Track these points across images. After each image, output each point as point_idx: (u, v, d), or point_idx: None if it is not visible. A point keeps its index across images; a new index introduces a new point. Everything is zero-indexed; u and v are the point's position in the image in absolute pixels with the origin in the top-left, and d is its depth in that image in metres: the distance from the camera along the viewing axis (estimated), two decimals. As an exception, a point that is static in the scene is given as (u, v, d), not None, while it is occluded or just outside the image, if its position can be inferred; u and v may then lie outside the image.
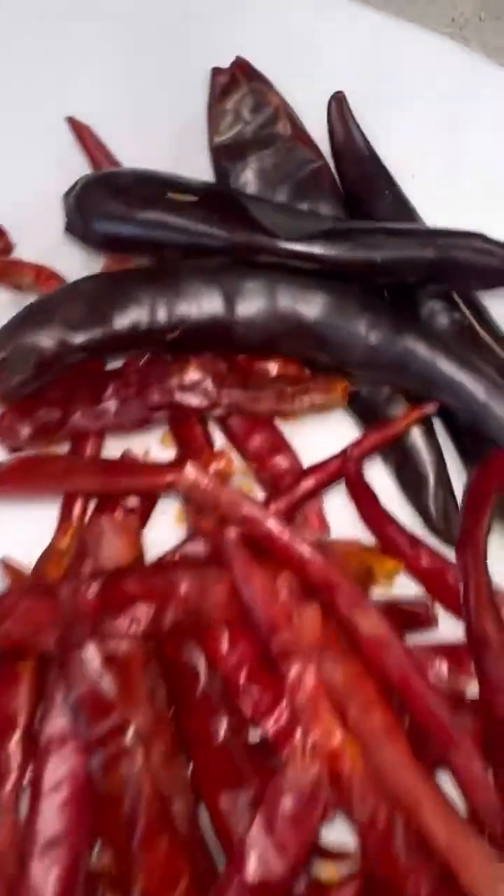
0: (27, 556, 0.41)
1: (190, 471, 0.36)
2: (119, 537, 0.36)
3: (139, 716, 0.34)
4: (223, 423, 0.43)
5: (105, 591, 0.34)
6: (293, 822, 0.33)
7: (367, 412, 0.43)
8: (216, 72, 0.45)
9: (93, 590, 0.33)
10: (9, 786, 0.33)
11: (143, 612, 0.34)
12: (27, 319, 0.41)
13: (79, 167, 0.47)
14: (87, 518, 0.40)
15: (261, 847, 0.32)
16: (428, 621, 0.39)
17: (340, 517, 0.42)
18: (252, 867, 0.32)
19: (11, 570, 0.38)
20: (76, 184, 0.43)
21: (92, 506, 0.42)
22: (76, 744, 0.34)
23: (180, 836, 0.34)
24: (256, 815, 0.33)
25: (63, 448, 0.43)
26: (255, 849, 0.32)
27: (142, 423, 0.41)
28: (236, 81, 0.45)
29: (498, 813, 0.36)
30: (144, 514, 0.40)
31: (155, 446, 0.43)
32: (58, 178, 0.46)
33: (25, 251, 0.46)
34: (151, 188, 0.41)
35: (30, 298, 0.45)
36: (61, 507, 0.42)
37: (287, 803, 0.33)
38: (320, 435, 0.44)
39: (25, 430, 0.42)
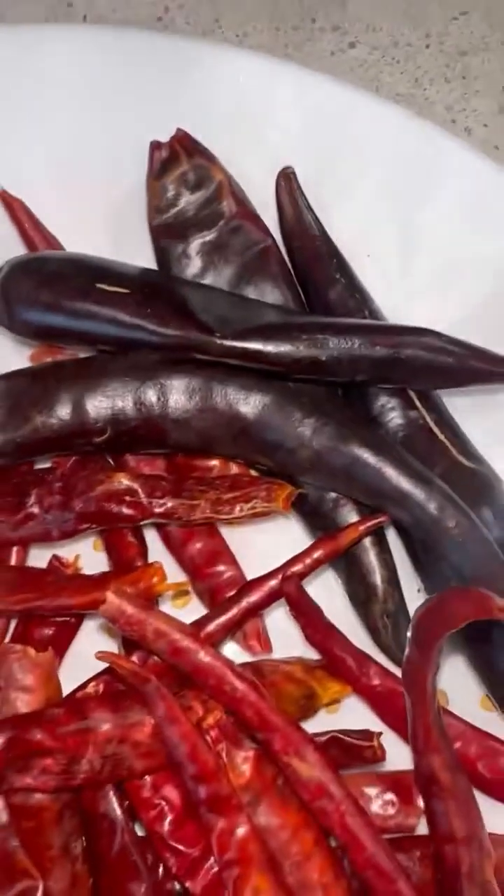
0: None
1: (112, 598, 0.32)
2: (32, 674, 0.33)
3: (52, 879, 0.31)
4: (159, 527, 0.41)
5: (11, 744, 0.30)
6: None
7: (314, 516, 0.40)
8: (155, 145, 0.42)
9: (3, 735, 0.30)
10: None
11: (54, 765, 0.31)
12: None
13: (11, 242, 0.44)
14: (5, 640, 0.38)
15: None
16: (374, 757, 0.35)
17: (285, 630, 0.40)
18: None
19: None
20: (1, 268, 0.40)
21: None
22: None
23: None
24: None
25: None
26: None
27: (69, 535, 0.38)
28: (176, 156, 0.41)
29: None
30: (68, 635, 0.37)
31: (86, 552, 0.41)
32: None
33: None
34: (82, 276, 0.38)
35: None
36: (-22, 624, 0.39)
37: None
38: (266, 538, 0.41)
39: None
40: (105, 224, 0.44)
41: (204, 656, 0.33)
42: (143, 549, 0.39)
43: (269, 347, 0.37)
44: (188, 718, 0.32)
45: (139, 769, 0.32)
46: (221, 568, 0.39)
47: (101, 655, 0.32)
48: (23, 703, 0.32)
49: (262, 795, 0.33)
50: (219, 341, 0.37)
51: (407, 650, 0.34)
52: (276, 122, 0.45)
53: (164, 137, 0.43)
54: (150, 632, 0.33)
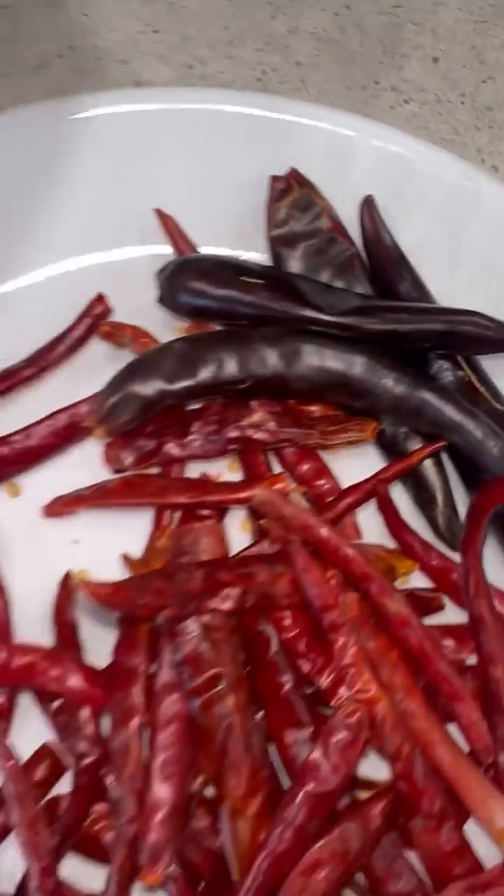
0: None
1: (263, 490, 0.47)
2: (210, 538, 0.48)
3: (227, 672, 0.46)
4: (278, 453, 0.55)
5: (205, 578, 0.45)
6: (342, 751, 0.44)
7: (389, 447, 0.55)
8: (275, 178, 0.58)
9: (198, 577, 0.45)
10: (135, 723, 0.45)
11: (232, 594, 0.45)
12: (132, 372, 0.53)
13: (161, 248, 0.59)
14: (174, 524, 0.52)
15: (319, 768, 0.44)
16: (437, 607, 0.51)
17: (369, 527, 0.55)
18: (312, 783, 0.44)
19: (130, 561, 0.49)
20: (168, 265, 0.55)
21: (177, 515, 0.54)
22: (181, 692, 0.46)
23: (257, 763, 0.45)
24: (315, 746, 0.45)
25: (153, 471, 0.55)
26: (315, 769, 0.44)
27: (220, 453, 0.53)
28: (290, 186, 0.57)
29: (490, 750, 0.48)
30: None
31: (225, 471, 0.56)
32: (143, 255, 0.59)
33: (118, 315, 0.58)
34: (228, 271, 0.54)
35: (125, 353, 0.58)
36: (155, 516, 0.54)
37: (338, 737, 0.44)
38: (353, 464, 0.56)
39: (127, 457, 0.54)
40: (230, 237, 0.60)
41: (324, 530, 0.48)
42: (269, 466, 0.54)
43: (363, 323, 0.53)
44: (318, 569, 0.47)
45: (284, 604, 0.47)
46: (323, 482, 0.54)
47: (266, 524, 0.47)
48: (206, 557, 0.47)
49: (363, 625, 0.48)
50: (326, 318, 0.53)
51: (464, 527, 0.49)
52: (355, 161, 0.61)
53: (274, 173, 0.59)
54: (287, 514, 0.48)
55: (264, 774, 0.46)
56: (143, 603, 0.45)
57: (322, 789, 0.44)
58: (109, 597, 0.45)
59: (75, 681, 0.46)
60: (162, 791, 0.44)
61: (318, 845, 0.44)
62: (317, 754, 0.45)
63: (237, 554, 0.50)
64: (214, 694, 0.45)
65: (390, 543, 0.54)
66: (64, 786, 0.49)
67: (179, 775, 0.44)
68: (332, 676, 0.47)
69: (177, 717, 0.45)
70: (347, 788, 0.46)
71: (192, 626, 0.46)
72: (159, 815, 0.43)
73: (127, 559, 0.50)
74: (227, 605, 0.46)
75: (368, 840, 0.45)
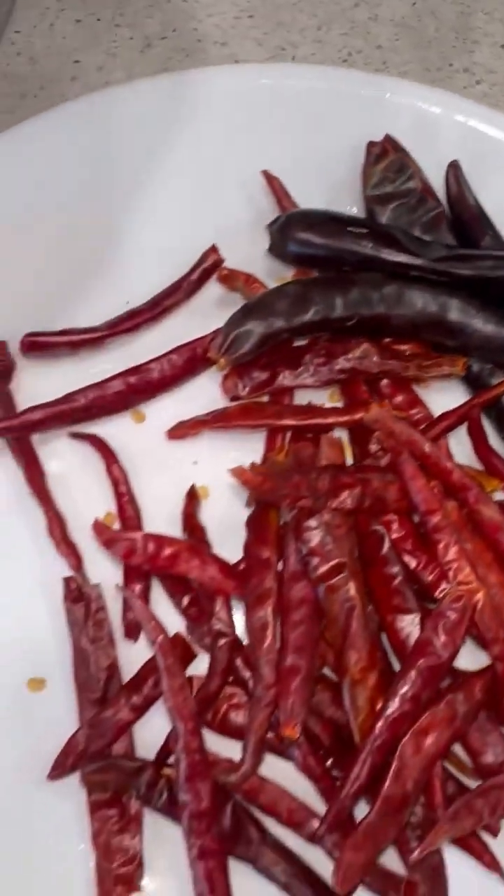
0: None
1: (375, 407, 0.54)
2: (331, 448, 0.54)
3: (348, 562, 0.52)
4: (374, 387, 0.62)
5: (332, 479, 0.52)
6: (450, 630, 0.51)
7: (474, 382, 0.62)
8: (371, 144, 0.65)
9: (326, 477, 0.52)
10: (270, 605, 0.51)
11: (353, 494, 0.52)
12: (251, 310, 0.60)
13: (265, 206, 0.66)
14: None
15: (431, 644, 0.50)
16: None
17: (457, 453, 0.61)
18: (425, 658, 0.50)
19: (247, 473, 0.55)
20: (279, 218, 0.62)
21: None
22: (307, 580, 0.52)
23: (375, 642, 0.51)
24: (426, 626, 0.51)
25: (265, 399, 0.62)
26: (428, 646, 0.50)
27: (328, 383, 0.60)
28: (385, 151, 0.64)
29: None
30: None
31: (326, 402, 0.62)
32: (248, 212, 0.66)
33: (228, 264, 0.65)
34: (336, 223, 0.61)
35: (235, 299, 0.64)
36: (268, 439, 0.60)
37: (446, 619, 0.51)
38: (441, 398, 0.62)
39: (243, 387, 0.60)
40: (327, 199, 0.66)
41: (428, 445, 0.55)
42: (370, 394, 0.60)
43: (455, 268, 0.59)
44: (424, 478, 0.53)
45: (394, 508, 0.54)
46: (417, 410, 0.61)
47: (379, 436, 0.53)
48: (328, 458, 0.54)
49: (462, 529, 0.54)
50: (424, 263, 0.59)
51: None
52: (437, 131, 0.68)
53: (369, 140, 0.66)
54: (396, 430, 0.54)
55: (380, 653, 0.52)
56: (284, 493, 0.52)
57: (434, 663, 0.51)
58: (259, 484, 0.51)
59: (213, 570, 0.53)
60: (296, 661, 0.50)
61: (429, 712, 0.51)
62: (428, 633, 0.51)
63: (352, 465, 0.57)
64: (338, 580, 0.52)
65: (478, 466, 0.61)
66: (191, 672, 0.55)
67: (310, 648, 0.51)
68: (436, 572, 0.54)
69: (305, 601, 0.52)
70: (451, 666, 0.52)
71: (316, 524, 0.53)
72: (295, 681, 0.50)
73: (243, 470, 0.54)
74: (348, 504, 0.52)
75: (471, 710, 0.52)
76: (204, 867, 0.50)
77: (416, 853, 0.47)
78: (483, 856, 0.52)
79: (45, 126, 0.67)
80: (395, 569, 0.53)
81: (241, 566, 0.55)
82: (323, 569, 0.52)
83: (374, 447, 0.59)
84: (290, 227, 0.62)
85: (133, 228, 0.66)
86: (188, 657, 0.56)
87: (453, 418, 0.59)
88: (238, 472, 0.53)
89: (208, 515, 0.60)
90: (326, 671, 0.54)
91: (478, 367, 0.62)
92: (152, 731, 0.55)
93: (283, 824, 0.53)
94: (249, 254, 0.65)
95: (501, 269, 0.60)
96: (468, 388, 0.63)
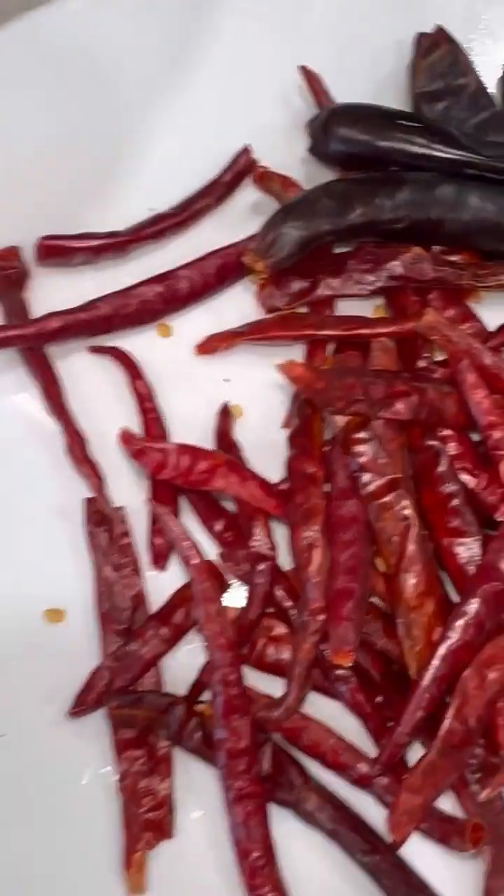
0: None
1: (432, 313, 0.49)
2: (385, 354, 0.49)
3: (403, 478, 0.47)
4: (423, 299, 0.57)
5: (387, 384, 0.47)
6: (516, 553, 0.46)
7: (532, 295, 0.57)
8: (422, 35, 0.59)
9: (381, 382, 0.47)
10: (317, 522, 0.46)
11: (409, 403, 0.47)
12: (292, 210, 0.54)
13: (301, 105, 0.60)
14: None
15: (497, 567, 0.45)
16: None
17: None
18: (490, 581, 0.45)
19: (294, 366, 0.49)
20: (320, 113, 0.57)
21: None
22: (358, 496, 0.47)
23: (432, 565, 0.47)
24: (489, 548, 0.46)
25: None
26: (492, 568, 0.45)
27: (374, 292, 0.55)
28: (437, 44, 0.59)
29: None
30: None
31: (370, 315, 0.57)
32: (284, 114, 0.60)
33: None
34: (385, 116, 0.55)
35: (269, 205, 0.59)
36: (307, 353, 0.55)
37: (510, 542, 0.46)
38: (496, 314, 0.56)
39: (281, 297, 0.55)
40: (371, 97, 0.60)
41: (488, 354, 0.50)
42: (422, 305, 0.55)
43: (520, 166, 0.54)
44: (485, 389, 0.48)
45: (451, 422, 0.49)
46: (470, 325, 0.55)
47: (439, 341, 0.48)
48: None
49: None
50: (485, 160, 0.54)
51: None
52: (494, 25, 0.62)
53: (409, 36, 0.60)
54: (454, 337, 0.50)
55: (438, 580, 0.48)
56: (336, 395, 0.46)
57: (499, 588, 0.46)
58: (312, 381, 0.46)
59: (254, 487, 0.48)
60: (348, 583, 0.45)
61: (493, 642, 0.46)
62: (492, 556, 0.46)
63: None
64: (392, 498, 0.47)
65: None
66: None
67: (362, 570, 0.46)
68: (498, 493, 0.49)
69: (355, 520, 0.47)
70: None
71: (367, 436, 0.48)
72: (348, 604, 0.45)
73: (295, 365, 0.48)
74: (403, 413, 0.47)
75: (539, 642, 0.47)
76: (242, 811, 0.45)
77: (484, 792, 0.42)
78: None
79: (60, 15, 0.61)
80: (453, 488, 0.48)
81: (282, 487, 0.51)
82: (375, 485, 0.47)
83: (422, 363, 0.54)
84: (333, 123, 0.56)
85: (160, 130, 0.60)
86: (222, 588, 0.51)
87: (507, 333, 0.55)
88: (288, 367, 0.47)
89: (241, 437, 0.55)
90: (375, 601, 0.50)
91: (538, 279, 0.58)
92: (182, 666, 0.50)
93: (329, 767, 0.48)
94: (286, 160, 0.59)
95: None
96: (525, 302, 0.59)
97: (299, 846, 0.47)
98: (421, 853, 0.47)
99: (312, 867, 0.47)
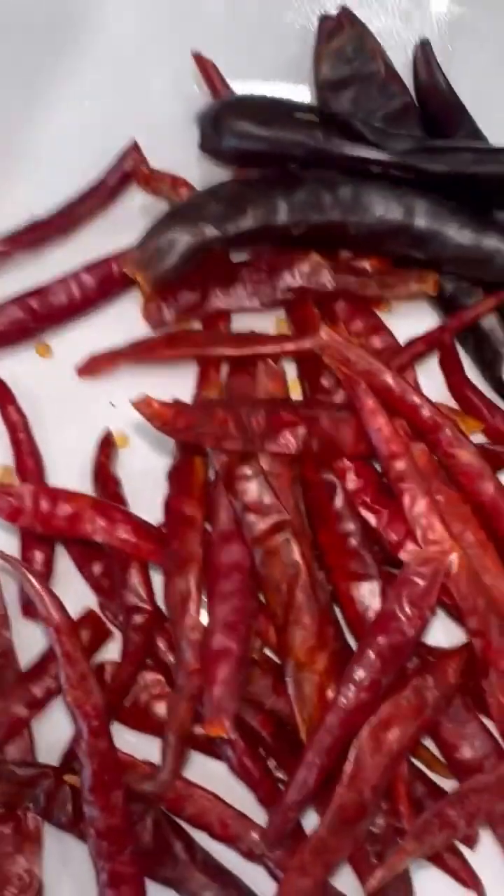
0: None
1: (325, 331, 0.44)
2: (271, 380, 0.44)
3: (292, 519, 0.42)
4: (328, 310, 0.52)
5: (269, 415, 0.42)
6: (417, 601, 0.41)
7: (448, 304, 0.52)
8: (324, 18, 0.54)
9: (261, 413, 0.42)
10: (193, 572, 0.42)
11: (297, 434, 0.42)
12: (176, 216, 0.49)
13: (199, 98, 0.55)
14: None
15: (394, 619, 0.41)
16: (505, 464, 0.48)
17: (429, 389, 0.50)
18: (387, 634, 0.41)
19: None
20: (211, 106, 0.51)
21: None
22: (242, 541, 0.42)
23: (325, 616, 0.42)
24: (388, 597, 0.41)
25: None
26: (389, 620, 0.41)
27: (270, 305, 0.50)
28: (341, 27, 0.53)
29: None
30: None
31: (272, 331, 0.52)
32: (177, 106, 0.55)
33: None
34: (280, 108, 0.50)
35: (160, 207, 0.54)
36: (200, 374, 0.50)
37: (412, 588, 0.41)
38: (408, 324, 0.52)
39: (168, 312, 0.50)
40: (271, 86, 0.55)
41: (389, 375, 0.45)
42: (322, 320, 0.50)
43: (428, 163, 0.49)
44: (385, 414, 0.43)
45: (349, 453, 0.44)
46: (379, 338, 0.50)
47: (330, 362, 0.43)
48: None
49: (433, 477, 0.45)
50: (388, 158, 0.49)
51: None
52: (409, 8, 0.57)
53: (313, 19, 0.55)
54: (352, 357, 0.45)
55: (331, 630, 0.43)
56: (204, 431, 0.41)
57: (397, 641, 0.41)
58: (173, 419, 0.40)
59: (124, 531, 0.43)
60: (225, 641, 0.40)
61: (390, 700, 0.41)
62: (391, 604, 0.42)
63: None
64: (279, 542, 0.42)
65: (452, 405, 0.51)
66: (107, 653, 0.46)
67: (243, 625, 0.41)
68: (401, 530, 0.44)
69: (238, 568, 0.42)
70: (419, 644, 0.43)
71: (251, 472, 0.43)
72: (223, 666, 0.40)
73: (150, 401, 0.41)
74: (291, 447, 0.42)
75: (442, 697, 0.42)
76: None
77: (374, 879, 0.38)
78: (459, 872, 0.44)
79: None
80: (351, 526, 0.43)
81: (163, 529, 0.46)
82: (261, 528, 0.42)
83: (327, 382, 0.49)
84: (225, 116, 0.50)
85: (39, 127, 0.54)
86: (101, 638, 0.45)
87: (422, 345, 0.49)
88: (142, 404, 0.41)
89: (127, 468, 0.50)
90: (269, 653, 0.45)
91: (452, 287, 0.51)
92: (57, 731, 0.45)
93: (216, 839, 0.43)
94: (179, 157, 0.54)
95: (481, 165, 0.49)
96: (440, 312, 0.53)
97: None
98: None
99: None
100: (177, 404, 0.42)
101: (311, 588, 0.42)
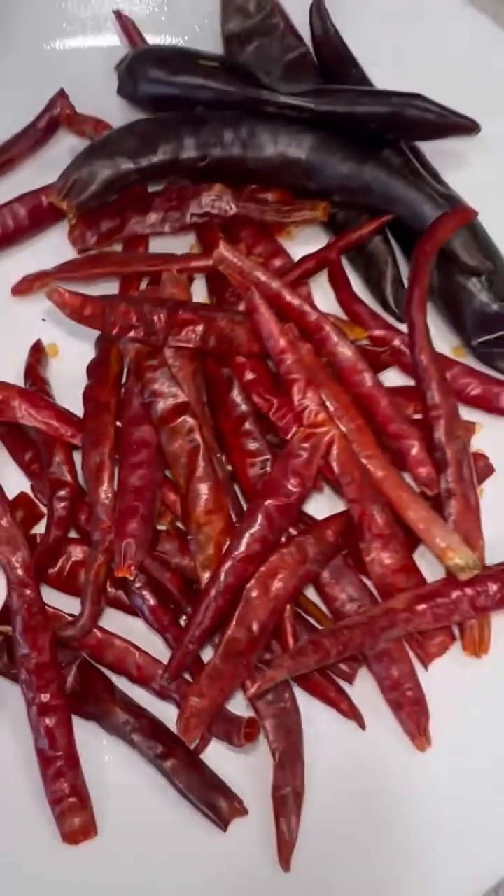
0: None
1: (224, 247, 0.50)
2: (176, 287, 0.51)
3: (193, 404, 0.49)
4: (235, 236, 0.58)
5: (169, 313, 0.49)
6: (300, 471, 0.48)
7: (339, 231, 0.59)
8: (228, -25, 0.60)
9: (163, 310, 0.48)
10: (107, 446, 0.49)
11: (196, 330, 0.49)
12: (95, 150, 0.55)
13: (120, 52, 0.61)
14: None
15: (279, 483, 0.48)
16: (384, 364, 0.55)
17: (320, 304, 0.57)
18: (273, 497, 0.48)
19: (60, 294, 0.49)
20: (126, 56, 0.58)
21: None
22: (149, 422, 0.49)
23: (221, 485, 0.49)
24: (275, 466, 0.48)
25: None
26: (276, 484, 0.48)
27: (181, 229, 0.56)
28: (244, -15, 0.60)
29: (434, 482, 0.52)
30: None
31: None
32: (100, 60, 0.61)
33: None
34: (187, 57, 0.57)
35: (86, 144, 0.60)
36: (120, 289, 0.56)
37: (295, 458, 0.48)
38: (306, 250, 0.59)
39: (91, 236, 0.56)
40: (182, 40, 0.62)
41: (278, 284, 0.51)
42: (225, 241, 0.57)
43: (318, 104, 0.56)
44: (275, 317, 0.50)
45: (244, 350, 0.51)
46: (279, 261, 0.57)
47: (226, 271, 0.50)
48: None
49: (319, 372, 0.51)
50: (281, 98, 0.56)
51: (406, 292, 0.53)
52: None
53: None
54: (246, 269, 0.51)
55: (227, 499, 0.50)
56: (112, 321, 0.48)
57: (282, 502, 0.48)
58: (80, 307, 0.47)
59: (48, 415, 0.50)
60: (133, 502, 0.48)
61: (277, 554, 0.48)
62: (276, 473, 0.49)
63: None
64: (180, 422, 0.49)
65: (342, 316, 0.58)
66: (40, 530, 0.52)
67: (149, 491, 0.48)
68: (289, 416, 0.51)
69: (145, 444, 0.49)
70: (301, 507, 0.50)
71: (156, 363, 0.50)
72: (132, 522, 0.47)
73: (61, 292, 0.48)
74: (192, 342, 0.49)
75: (322, 553, 0.50)
76: (45, 722, 0.47)
77: (253, 688, 0.45)
78: (340, 704, 0.51)
79: None
80: (245, 409, 0.51)
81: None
82: (165, 409, 0.49)
83: (230, 297, 0.56)
84: (139, 65, 0.57)
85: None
86: (34, 516, 0.52)
87: (312, 262, 0.56)
88: (55, 294, 0.48)
89: (56, 375, 0.56)
90: (177, 525, 0.52)
91: (343, 215, 0.58)
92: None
93: (134, 682, 0.50)
94: (104, 105, 0.61)
95: (362, 104, 0.56)
96: (333, 237, 0.60)
97: (104, 756, 0.49)
98: (225, 756, 0.49)
99: (116, 774, 0.49)
100: (84, 295, 0.49)
101: (208, 462, 0.49)
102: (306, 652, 0.46)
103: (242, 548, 0.47)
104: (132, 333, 0.48)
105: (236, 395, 0.51)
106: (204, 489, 0.49)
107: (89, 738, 0.49)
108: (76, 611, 0.51)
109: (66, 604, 0.51)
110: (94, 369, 0.51)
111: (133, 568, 0.46)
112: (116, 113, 0.61)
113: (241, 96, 0.56)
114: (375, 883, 0.49)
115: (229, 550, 0.47)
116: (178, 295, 0.52)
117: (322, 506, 0.54)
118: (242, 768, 0.49)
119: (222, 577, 0.47)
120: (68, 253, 0.58)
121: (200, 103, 0.57)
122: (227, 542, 0.48)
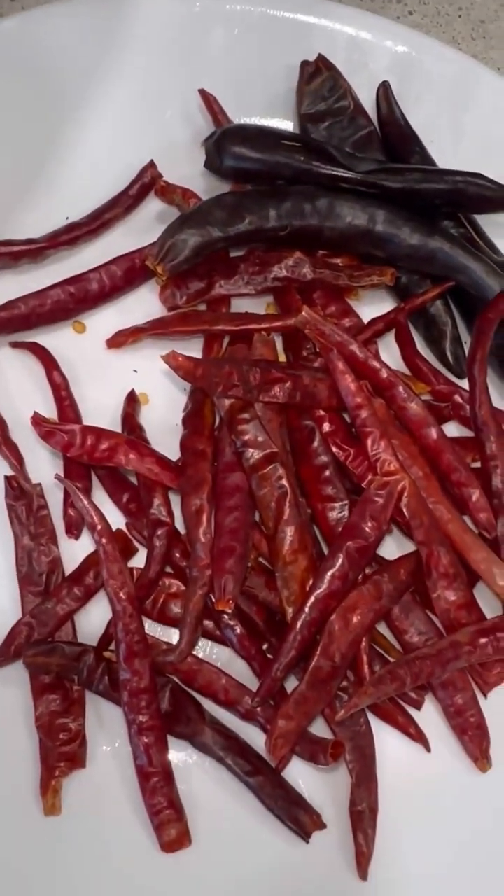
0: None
1: (307, 311, 0.56)
2: (265, 347, 0.56)
3: (280, 453, 0.54)
4: (308, 298, 0.64)
5: (263, 372, 0.54)
6: (376, 515, 0.54)
7: (403, 293, 0.65)
8: (305, 63, 0.67)
9: (258, 369, 0.54)
10: (205, 491, 0.54)
11: (283, 388, 0.54)
12: (188, 220, 0.61)
13: (203, 125, 0.68)
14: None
15: (358, 526, 0.53)
16: (446, 417, 0.61)
17: (387, 358, 0.63)
18: (353, 539, 0.53)
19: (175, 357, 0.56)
20: (214, 132, 0.64)
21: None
22: (241, 469, 0.54)
23: (306, 527, 0.54)
24: (354, 511, 0.53)
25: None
26: (355, 528, 0.53)
27: (263, 292, 0.62)
28: (319, 70, 0.66)
29: (492, 526, 0.57)
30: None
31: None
32: (186, 131, 0.67)
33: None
34: (271, 136, 0.62)
35: (173, 214, 0.66)
36: (205, 346, 0.62)
37: (372, 505, 0.54)
38: (372, 311, 0.65)
39: (180, 297, 0.62)
40: (260, 118, 0.68)
41: (355, 345, 0.57)
42: (301, 303, 0.62)
43: (384, 180, 0.62)
44: (352, 374, 0.55)
45: (324, 404, 0.56)
46: (348, 320, 0.63)
47: (310, 334, 0.55)
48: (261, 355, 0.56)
49: (389, 425, 0.57)
50: (355, 175, 0.62)
51: (468, 350, 0.59)
52: (369, 55, 0.70)
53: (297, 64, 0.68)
54: (326, 331, 0.57)
55: (310, 539, 0.55)
56: (216, 381, 0.54)
57: (360, 545, 0.54)
58: (192, 369, 0.53)
59: (151, 462, 0.55)
60: (230, 542, 0.53)
61: (355, 590, 0.54)
62: (356, 517, 0.54)
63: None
64: (270, 470, 0.54)
65: (406, 372, 0.64)
66: (133, 564, 0.57)
67: (243, 532, 0.54)
68: (364, 464, 0.56)
69: (238, 489, 0.55)
70: (377, 549, 0.55)
71: (249, 416, 0.55)
72: (229, 560, 0.52)
73: (176, 355, 0.55)
74: (280, 397, 0.55)
75: (395, 591, 0.55)
76: (143, 741, 0.52)
77: (341, 712, 0.50)
78: (408, 728, 0.56)
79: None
80: (326, 459, 0.56)
81: (179, 462, 0.58)
82: (256, 458, 0.55)
83: (306, 352, 0.61)
84: (225, 141, 0.63)
85: (74, 146, 0.67)
86: (129, 551, 0.58)
87: (382, 323, 0.62)
88: (171, 357, 0.54)
89: (147, 421, 0.62)
90: (262, 561, 0.57)
91: (406, 279, 0.65)
92: (92, 622, 0.57)
93: (220, 704, 0.55)
94: (188, 173, 0.67)
95: (428, 182, 0.62)
96: (398, 300, 0.66)
97: (195, 772, 0.54)
98: (302, 773, 0.54)
99: (206, 789, 0.54)
100: (195, 358, 0.55)
101: (294, 506, 0.54)
102: (385, 681, 0.51)
103: (325, 585, 0.53)
104: (233, 392, 0.53)
105: (317, 445, 0.56)
106: (290, 531, 0.54)
107: (180, 756, 0.54)
108: (164, 636, 0.56)
109: (156, 631, 0.56)
110: (189, 420, 0.57)
111: (231, 602, 0.51)
112: (199, 182, 0.67)
113: (321, 173, 0.62)
114: (441, 893, 0.54)
115: (313, 587, 0.53)
116: (268, 354, 0.57)
117: (387, 546, 0.60)
118: (322, 786, 0.55)
119: (307, 611, 0.52)
120: (154, 309, 0.64)
121: (281, 178, 0.63)
122: (311, 580, 0.53)
